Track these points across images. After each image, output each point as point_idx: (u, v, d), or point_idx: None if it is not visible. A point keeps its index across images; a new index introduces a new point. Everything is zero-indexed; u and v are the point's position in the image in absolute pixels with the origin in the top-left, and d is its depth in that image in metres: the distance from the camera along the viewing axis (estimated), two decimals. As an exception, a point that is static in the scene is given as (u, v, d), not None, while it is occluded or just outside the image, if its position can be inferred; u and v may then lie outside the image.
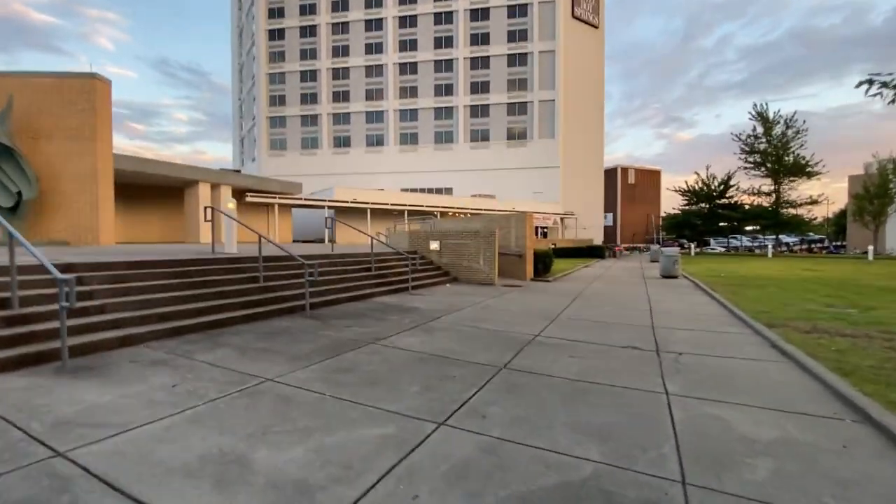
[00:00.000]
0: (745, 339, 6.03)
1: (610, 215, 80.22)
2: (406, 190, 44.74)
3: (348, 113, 51.91)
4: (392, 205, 31.92)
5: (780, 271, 18.16)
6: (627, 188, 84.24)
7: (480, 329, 6.40)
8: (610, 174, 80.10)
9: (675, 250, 15.73)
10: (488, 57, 50.00)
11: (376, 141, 51.62)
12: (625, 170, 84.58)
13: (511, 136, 50.36)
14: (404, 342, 5.48)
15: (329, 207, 30.35)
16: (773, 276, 15.35)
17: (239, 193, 25.70)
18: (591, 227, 52.19)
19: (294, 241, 27.35)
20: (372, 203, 31.09)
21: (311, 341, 5.39)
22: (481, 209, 35.52)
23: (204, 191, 22.56)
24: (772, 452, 2.74)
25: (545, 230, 47.91)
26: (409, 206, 33.05)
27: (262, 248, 7.46)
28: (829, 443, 2.92)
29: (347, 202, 30.53)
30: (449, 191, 49.56)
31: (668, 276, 15.41)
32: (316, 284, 8.04)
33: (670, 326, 6.85)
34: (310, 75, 52.42)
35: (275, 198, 26.21)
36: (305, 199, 28.46)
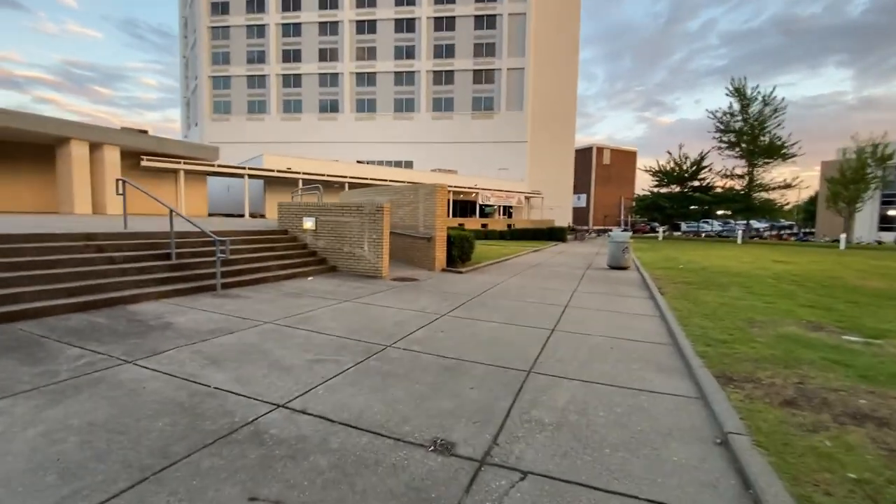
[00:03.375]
0: (676, 415, 3.15)
1: (583, 196, 77.89)
2: (362, 162, 40.83)
3: (299, 74, 46.78)
4: (329, 176, 28.00)
5: (749, 263, 15.70)
6: (602, 169, 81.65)
7: (192, 387, 3.34)
8: (584, 154, 77.46)
9: (624, 236, 12.92)
10: (454, 17, 45.51)
11: (330, 107, 46.85)
12: (600, 150, 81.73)
13: (476, 106, 46.44)
14: None
15: (252, 177, 26.36)
16: (740, 271, 12.77)
17: (135, 157, 21.68)
18: (558, 207, 49.38)
19: (210, 214, 23.59)
20: (303, 173, 27.07)
21: None
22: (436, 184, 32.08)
23: (78, 151, 18.48)
24: None
25: (510, 209, 45.05)
26: (351, 178, 29.19)
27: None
28: None
29: (273, 171, 26.47)
30: (409, 164, 45.80)
31: (616, 266, 12.66)
32: (11, 284, 4.80)
33: (561, 371, 3.96)
34: (257, 31, 46.91)
35: (179, 163, 22.15)
36: (220, 167, 24.34)
